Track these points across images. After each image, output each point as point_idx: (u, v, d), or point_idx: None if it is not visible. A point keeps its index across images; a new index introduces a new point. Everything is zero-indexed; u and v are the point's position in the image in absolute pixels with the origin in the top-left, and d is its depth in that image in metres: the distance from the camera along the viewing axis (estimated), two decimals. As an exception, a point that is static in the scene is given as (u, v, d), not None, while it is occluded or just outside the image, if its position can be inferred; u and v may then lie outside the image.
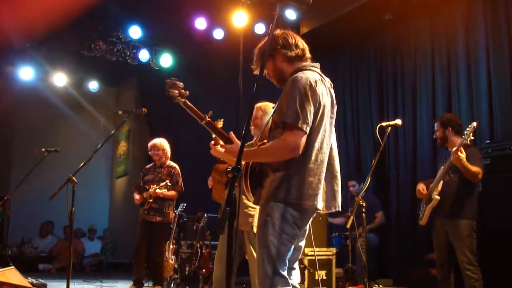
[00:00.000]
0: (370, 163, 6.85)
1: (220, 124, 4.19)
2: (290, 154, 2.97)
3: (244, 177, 3.15)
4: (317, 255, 6.46)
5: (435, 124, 5.83)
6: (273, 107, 3.29)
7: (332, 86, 3.30)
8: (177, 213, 8.41)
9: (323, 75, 3.24)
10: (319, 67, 3.28)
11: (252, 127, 4.64)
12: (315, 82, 3.06)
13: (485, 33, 7.36)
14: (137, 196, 7.63)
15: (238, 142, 3.19)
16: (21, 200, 12.03)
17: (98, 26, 10.60)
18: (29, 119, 13.99)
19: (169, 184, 7.35)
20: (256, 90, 2.88)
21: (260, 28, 9.54)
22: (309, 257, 6.08)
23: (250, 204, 4.40)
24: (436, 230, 5.61)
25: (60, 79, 12.10)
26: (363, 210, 5.44)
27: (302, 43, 3.31)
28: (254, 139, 4.59)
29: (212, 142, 3.88)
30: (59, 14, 8.59)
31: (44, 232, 14.03)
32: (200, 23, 10.05)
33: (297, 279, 3.22)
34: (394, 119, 5.87)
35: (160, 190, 7.31)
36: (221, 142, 4.22)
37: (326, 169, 3.13)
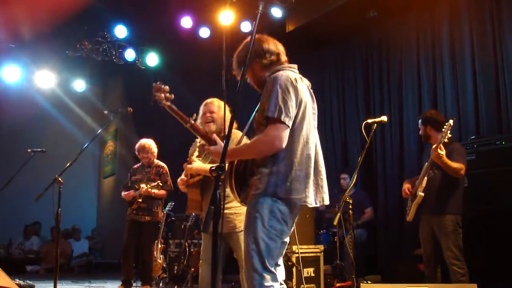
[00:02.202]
0: (357, 159, 6.88)
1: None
2: (274, 148, 2.99)
3: (229, 177, 3.17)
4: (305, 252, 6.48)
5: (419, 121, 5.86)
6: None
7: (310, 86, 3.33)
8: (165, 212, 8.40)
9: (301, 75, 3.27)
10: (297, 68, 3.31)
11: (210, 122, 4.51)
12: (295, 79, 3.11)
13: (469, 29, 7.43)
14: (125, 192, 7.59)
15: (222, 143, 3.21)
16: (7, 201, 11.98)
17: (84, 26, 10.54)
18: (14, 119, 13.85)
19: (160, 184, 7.33)
20: (238, 96, 2.89)
21: (246, 27, 9.55)
22: (297, 255, 6.09)
23: (233, 204, 4.34)
24: (422, 226, 5.64)
25: (45, 79, 12.01)
26: (350, 207, 5.46)
27: (276, 47, 3.31)
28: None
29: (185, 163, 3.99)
30: (44, 14, 8.54)
31: (28, 233, 13.95)
32: (186, 22, 10.05)
33: (282, 276, 3.24)
34: (380, 115, 5.89)
35: (152, 189, 7.29)
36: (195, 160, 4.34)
37: None
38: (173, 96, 3.47)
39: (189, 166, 4.44)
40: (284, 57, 3.33)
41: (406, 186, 5.80)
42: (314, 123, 3.26)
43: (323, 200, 3.20)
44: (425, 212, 5.56)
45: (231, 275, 6.63)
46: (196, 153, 4.47)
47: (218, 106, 4.58)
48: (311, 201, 3.09)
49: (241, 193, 3.20)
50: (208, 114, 4.56)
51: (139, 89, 12.50)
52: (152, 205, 7.51)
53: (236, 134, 3.98)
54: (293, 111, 3.02)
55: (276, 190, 3.00)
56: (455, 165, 5.25)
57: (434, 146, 5.23)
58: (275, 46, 3.32)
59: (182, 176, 4.62)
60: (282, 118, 2.96)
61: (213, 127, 4.44)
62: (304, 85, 3.20)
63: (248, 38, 3.31)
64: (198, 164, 4.44)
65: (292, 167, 3.03)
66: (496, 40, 7.02)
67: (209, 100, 4.64)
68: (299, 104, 3.08)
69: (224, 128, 3.80)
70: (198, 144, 4.48)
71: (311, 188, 3.10)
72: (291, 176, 3.02)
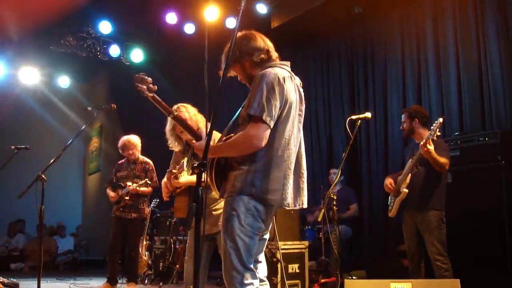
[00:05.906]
0: (342, 155, 6.90)
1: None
2: (253, 147, 2.96)
3: (210, 170, 3.15)
4: (290, 248, 6.49)
5: (402, 116, 5.87)
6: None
7: (301, 85, 3.30)
8: (150, 208, 8.37)
9: (292, 73, 3.23)
10: (289, 65, 3.27)
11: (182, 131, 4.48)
12: (283, 78, 3.05)
13: (453, 25, 7.46)
14: (112, 194, 7.54)
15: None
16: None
17: (68, 21, 10.44)
18: (-2, 116, 13.78)
19: (148, 182, 7.31)
20: (220, 93, 2.88)
21: (231, 23, 9.54)
22: (282, 251, 6.08)
23: (218, 205, 4.38)
24: (405, 222, 5.67)
25: (30, 75, 11.89)
26: (334, 203, 5.47)
27: (265, 44, 3.25)
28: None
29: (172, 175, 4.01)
30: (29, 10, 8.48)
31: (12, 231, 13.87)
32: (171, 18, 10.02)
33: (263, 272, 3.24)
34: (365, 112, 5.90)
35: (140, 188, 7.27)
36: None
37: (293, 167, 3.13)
38: (156, 87, 3.46)
39: (176, 181, 4.44)
40: (274, 53, 3.27)
41: (388, 181, 5.82)
42: (299, 125, 3.22)
43: (302, 203, 3.18)
44: (408, 208, 5.59)
45: (217, 271, 6.62)
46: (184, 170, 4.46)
47: (187, 112, 4.54)
48: (289, 203, 3.07)
49: (220, 186, 3.17)
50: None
51: (124, 85, 12.41)
52: (139, 202, 7.49)
53: (215, 135, 3.86)
54: (276, 110, 2.97)
55: (252, 189, 2.98)
56: (442, 160, 5.29)
57: (422, 142, 5.24)
58: (263, 42, 3.26)
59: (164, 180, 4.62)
60: (264, 117, 2.92)
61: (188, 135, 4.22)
62: (292, 85, 3.15)
63: (237, 34, 3.29)
64: (185, 178, 4.44)
65: (270, 168, 3.00)
66: (479, 37, 7.06)
67: (175, 107, 4.47)
68: (283, 104, 3.03)
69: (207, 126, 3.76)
70: (185, 162, 4.49)
71: (289, 190, 3.07)
72: (268, 177, 2.99)
